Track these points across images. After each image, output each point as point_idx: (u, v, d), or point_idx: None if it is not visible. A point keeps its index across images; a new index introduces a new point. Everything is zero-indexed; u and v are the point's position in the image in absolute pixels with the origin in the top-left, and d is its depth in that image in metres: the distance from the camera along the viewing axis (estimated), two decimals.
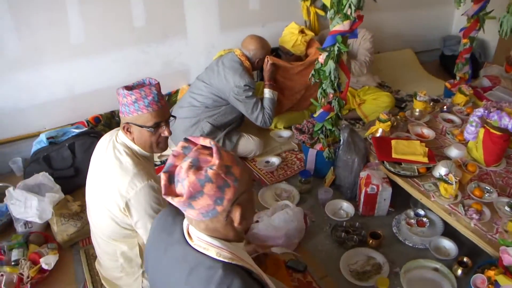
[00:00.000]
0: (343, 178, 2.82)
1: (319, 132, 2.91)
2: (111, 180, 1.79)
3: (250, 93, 3.13)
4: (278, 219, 2.45)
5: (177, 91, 3.80)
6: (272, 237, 2.37)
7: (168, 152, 2.83)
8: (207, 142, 1.20)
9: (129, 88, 1.74)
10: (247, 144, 3.26)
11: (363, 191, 2.60)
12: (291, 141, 3.45)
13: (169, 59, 3.73)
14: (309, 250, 2.50)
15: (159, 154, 3.24)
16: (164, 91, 3.53)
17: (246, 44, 3.27)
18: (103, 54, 3.39)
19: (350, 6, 2.37)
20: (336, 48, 2.54)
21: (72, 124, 3.33)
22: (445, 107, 3.42)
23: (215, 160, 1.12)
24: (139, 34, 3.49)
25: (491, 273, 2.02)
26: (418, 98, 3.23)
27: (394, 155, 2.66)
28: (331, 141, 2.90)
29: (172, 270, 1.25)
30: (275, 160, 3.26)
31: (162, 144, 1.87)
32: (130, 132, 1.80)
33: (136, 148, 1.84)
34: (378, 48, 4.93)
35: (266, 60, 3.28)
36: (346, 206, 2.77)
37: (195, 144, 1.22)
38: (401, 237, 2.52)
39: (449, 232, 2.49)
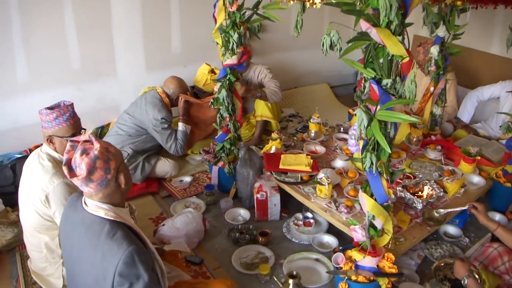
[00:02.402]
0: (242, 190, 3.62)
1: (221, 151, 3.76)
2: (35, 180, 2.52)
3: (166, 126, 3.99)
4: (180, 222, 3.19)
5: (109, 124, 4.60)
6: (175, 237, 3.09)
7: None
8: (86, 137, 1.94)
9: (50, 108, 2.54)
10: (164, 166, 4.09)
11: (255, 198, 3.39)
12: (204, 164, 4.30)
13: (101, 96, 4.59)
14: (208, 248, 3.24)
15: None
16: (97, 124, 4.57)
17: (167, 83, 4.21)
18: (45, 91, 4.20)
19: (234, 44, 3.28)
20: (227, 79, 3.46)
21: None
22: (341, 128, 4.34)
23: (96, 145, 1.87)
24: (76, 74, 4.35)
25: (349, 252, 2.69)
26: (312, 120, 4.09)
27: (281, 166, 3.45)
28: (231, 158, 3.75)
29: (75, 232, 1.95)
30: (187, 179, 4.07)
31: None
32: (52, 143, 2.56)
33: (56, 155, 2.58)
34: (295, 83, 5.94)
35: (180, 98, 4.16)
36: (244, 213, 3.56)
37: (79, 141, 1.93)
38: (289, 235, 3.28)
39: (334, 230, 3.24)
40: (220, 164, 3.80)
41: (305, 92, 5.89)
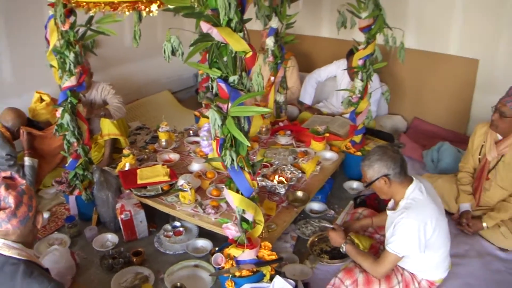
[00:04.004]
0: (104, 214, 3.62)
1: (74, 179, 3.70)
2: None
3: (12, 162, 3.94)
4: (48, 262, 3.07)
5: None
6: None
7: None
8: (7, 173, 2.01)
9: None
10: None
11: (120, 219, 3.43)
12: (59, 195, 4.18)
13: None
14: (83, 282, 3.19)
15: None
16: None
17: (4, 116, 4.06)
18: None
19: (70, 65, 3.25)
20: (69, 102, 3.41)
21: None
22: (191, 132, 4.51)
23: (22, 181, 1.97)
24: None
25: (227, 250, 2.89)
26: (160, 129, 4.21)
27: (139, 181, 3.54)
28: (87, 184, 3.72)
29: None
30: (45, 215, 3.89)
31: None
32: None
33: None
34: (136, 95, 6.02)
35: (21, 131, 4.06)
36: (111, 237, 3.56)
37: None
38: (162, 249, 3.37)
39: (205, 232, 3.41)
40: (76, 192, 3.75)
41: (148, 102, 5.98)
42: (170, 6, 2.15)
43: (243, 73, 2.31)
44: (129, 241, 3.56)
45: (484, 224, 3.55)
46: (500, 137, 3.58)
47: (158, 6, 2.39)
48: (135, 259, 3.30)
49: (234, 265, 2.84)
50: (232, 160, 2.43)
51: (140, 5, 2.42)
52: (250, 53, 2.21)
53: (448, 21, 5.24)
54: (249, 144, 2.38)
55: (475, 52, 5.19)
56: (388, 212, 2.85)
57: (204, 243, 3.43)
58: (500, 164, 3.58)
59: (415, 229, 2.58)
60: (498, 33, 4.95)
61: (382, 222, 3.12)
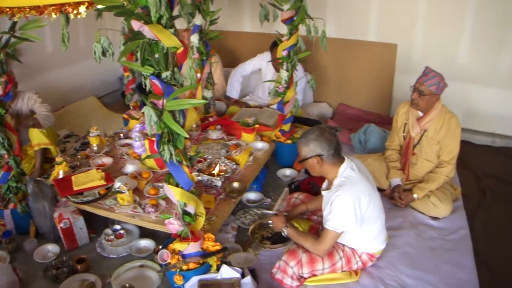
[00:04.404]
0: (42, 225, 3.59)
1: (8, 192, 3.64)
2: None
3: None
4: None
5: None
6: None
7: None
8: None
9: None
10: None
11: (59, 228, 3.42)
12: None
13: None
14: None
15: None
16: None
17: None
18: None
19: None
20: None
21: None
22: (121, 135, 4.55)
23: None
24: None
25: (171, 246, 2.96)
26: (91, 134, 4.21)
27: (75, 188, 3.54)
28: (21, 196, 3.67)
29: None
30: None
31: None
32: None
33: None
34: (62, 103, 5.96)
35: None
36: (52, 248, 3.53)
37: None
38: (105, 253, 3.40)
39: (146, 232, 3.50)
40: (11, 205, 3.68)
41: (74, 109, 5.93)
42: (100, 6, 2.20)
43: (175, 69, 2.41)
44: (70, 249, 3.55)
45: (415, 196, 3.84)
46: (421, 114, 3.87)
47: (87, 8, 2.42)
48: (79, 267, 3.31)
49: (180, 259, 2.92)
50: (171, 154, 2.51)
51: (67, 7, 2.42)
52: (181, 49, 2.31)
53: (366, 9, 5.58)
54: (187, 136, 2.47)
55: (393, 37, 5.55)
56: (323, 192, 3.04)
57: (146, 243, 3.49)
58: (424, 139, 3.88)
59: (351, 205, 2.78)
60: (414, 18, 5.31)
61: (317, 205, 3.33)
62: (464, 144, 5.26)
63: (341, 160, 2.94)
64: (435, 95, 3.75)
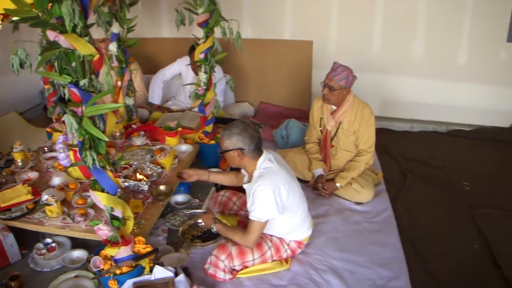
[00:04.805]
0: None
1: None
2: None
3: None
4: None
5: None
6: None
7: None
8: None
9: None
10: None
11: None
12: None
13: None
14: None
15: None
16: None
17: None
18: None
19: None
20: None
21: None
22: (45, 148, 4.54)
23: None
24: None
25: (103, 252, 3.05)
26: (14, 150, 4.19)
27: (2, 205, 3.53)
28: None
29: None
30: None
31: None
32: None
33: None
34: None
35: None
36: None
37: None
38: (39, 268, 3.39)
39: (78, 243, 3.52)
40: None
41: None
42: (15, 18, 2.25)
43: (93, 76, 2.49)
44: (2, 267, 3.52)
45: (338, 184, 4.10)
46: (334, 107, 4.11)
47: (2, 20, 2.46)
48: (13, 284, 3.28)
49: (113, 264, 3.00)
50: (93, 160, 2.60)
51: None
52: (97, 56, 2.41)
53: (281, 9, 5.85)
54: (106, 139, 2.55)
55: (308, 35, 5.83)
56: (244, 186, 3.23)
57: (79, 253, 3.52)
58: (340, 131, 4.14)
59: (271, 194, 2.97)
60: (327, 14, 5.60)
61: (222, 179, 3.69)
62: (384, 131, 5.65)
63: (260, 154, 3.13)
64: (345, 88, 3.99)
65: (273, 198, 2.98)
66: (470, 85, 6.11)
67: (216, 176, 3.71)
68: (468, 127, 6.22)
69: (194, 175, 3.68)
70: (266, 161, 3.10)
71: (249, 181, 3.18)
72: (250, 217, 3.05)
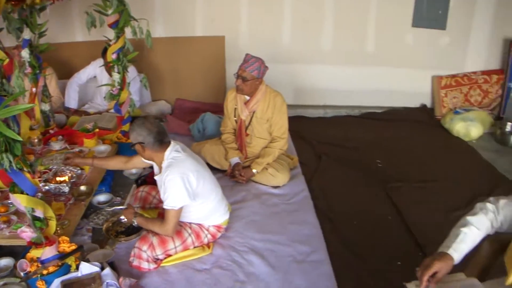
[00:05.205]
0: None
1: None
2: None
3: None
4: None
5: None
6: None
7: None
8: None
9: None
10: None
11: None
12: None
13: None
14: None
15: None
16: None
17: None
18: None
19: None
20: None
21: None
22: None
23: None
24: None
25: (29, 255, 3.09)
26: None
27: None
28: None
29: None
30: None
31: None
32: None
33: None
34: None
35: None
36: None
37: None
38: None
39: (6, 251, 3.47)
40: None
41: None
42: None
43: (4, 80, 2.57)
44: None
45: (254, 170, 4.33)
46: (247, 97, 4.33)
47: None
48: None
49: (40, 265, 3.06)
50: (10, 162, 2.66)
51: None
52: (7, 60, 2.51)
53: (192, 6, 6.03)
54: (21, 139, 2.61)
55: (220, 30, 6.03)
56: (156, 178, 3.41)
57: (6, 262, 3.46)
58: (254, 120, 4.37)
59: (180, 182, 3.16)
60: (237, 9, 5.84)
61: (112, 163, 3.91)
62: (298, 118, 5.96)
63: (164, 146, 3.29)
64: (258, 79, 4.23)
65: (183, 185, 3.17)
66: (380, 69, 6.53)
67: (100, 161, 3.89)
68: (380, 109, 6.62)
69: (76, 158, 3.90)
70: (173, 152, 3.27)
71: (160, 172, 3.35)
72: (164, 207, 3.22)
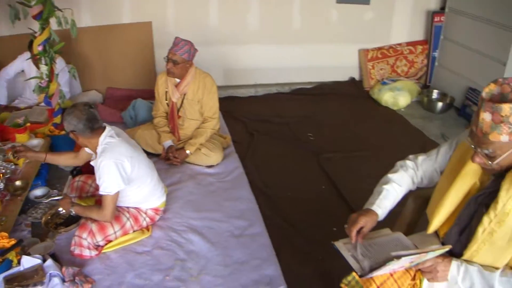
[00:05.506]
0: None
1: None
2: None
3: None
4: None
5: None
6: None
7: None
8: None
9: None
10: None
11: None
12: None
13: None
14: None
15: None
16: None
17: None
18: None
19: None
20: None
21: None
22: None
23: None
24: None
25: None
26: None
27: None
28: None
29: None
30: None
31: None
32: None
33: None
34: None
35: None
36: None
37: None
38: None
39: None
40: None
41: None
42: None
43: None
44: None
45: (188, 152, 4.47)
46: (178, 80, 4.44)
47: None
48: None
49: None
50: None
51: None
52: None
53: None
54: None
55: (147, 16, 6.06)
56: (92, 163, 3.46)
57: None
58: (185, 102, 4.48)
59: (114, 167, 3.23)
60: None
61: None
62: (230, 99, 6.12)
63: (99, 131, 3.33)
64: (188, 61, 4.34)
65: (117, 170, 3.23)
66: (308, 46, 6.76)
67: (52, 156, 3.89)
68: (310, 85, 6.84)
69: (28, 152, 3.83)
70: (107, 138, 3.32)
71: (95, 158, 3.41)
72: (100, 192, 3.29)
